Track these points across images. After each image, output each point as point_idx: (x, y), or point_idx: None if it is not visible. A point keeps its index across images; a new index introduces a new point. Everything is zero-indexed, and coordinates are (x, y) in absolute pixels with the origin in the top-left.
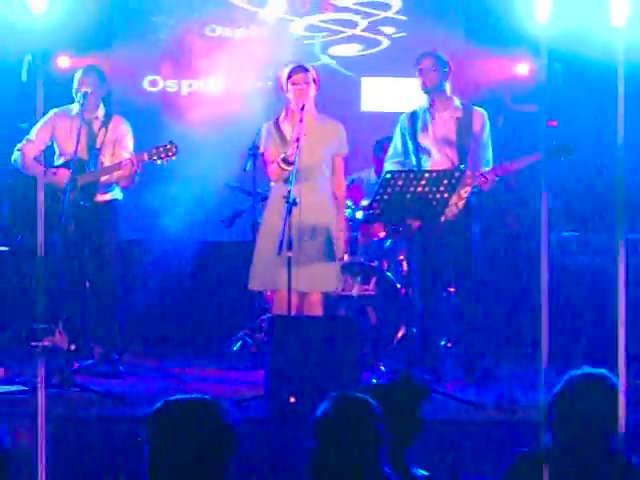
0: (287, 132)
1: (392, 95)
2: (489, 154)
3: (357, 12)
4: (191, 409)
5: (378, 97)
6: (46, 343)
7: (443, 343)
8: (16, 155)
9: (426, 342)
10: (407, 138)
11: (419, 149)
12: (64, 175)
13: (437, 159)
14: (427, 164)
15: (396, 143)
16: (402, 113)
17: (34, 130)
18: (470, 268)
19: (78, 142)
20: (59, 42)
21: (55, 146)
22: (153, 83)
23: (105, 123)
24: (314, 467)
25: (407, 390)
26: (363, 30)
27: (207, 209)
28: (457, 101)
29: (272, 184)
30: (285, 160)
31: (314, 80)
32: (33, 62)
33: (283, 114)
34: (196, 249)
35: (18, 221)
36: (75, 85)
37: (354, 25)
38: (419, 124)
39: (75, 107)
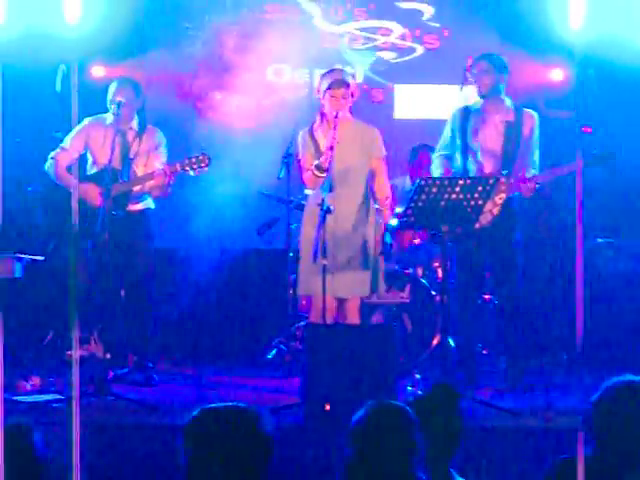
0: (320, 140)
1: (426, 102)
2: (536, 156)
3: (362, 37)
4: (228, 417)
5: (412, 104)
6: (81, 352)
7: (479, 350)
8: (49, 163)
9: (462, 349)
10: (456, 134)
11: (466, 149)
12: (94, 192)
13: (482, 161)
14: (472, 165)
15: (446, 135)
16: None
17: (68, 139)
18: (510, 275)
19: (112, 152)
20: (93, 52)
21: (88, 155)
22: (186, 92)
23: (139, 133)
24: (349, 474)
25: (444, 399)
26: (398, 37)
27: (241, 217)
28: (509, 102)
29: (308, 192)
30: (319, 167)
31: (352, 94)
32: (67, 72)
33: (317, 121)
34: (230, 257)
35: (53, 230)
36: (109, 96)
37: (389, 32)
38: (469, 124)
39: (109, 117)
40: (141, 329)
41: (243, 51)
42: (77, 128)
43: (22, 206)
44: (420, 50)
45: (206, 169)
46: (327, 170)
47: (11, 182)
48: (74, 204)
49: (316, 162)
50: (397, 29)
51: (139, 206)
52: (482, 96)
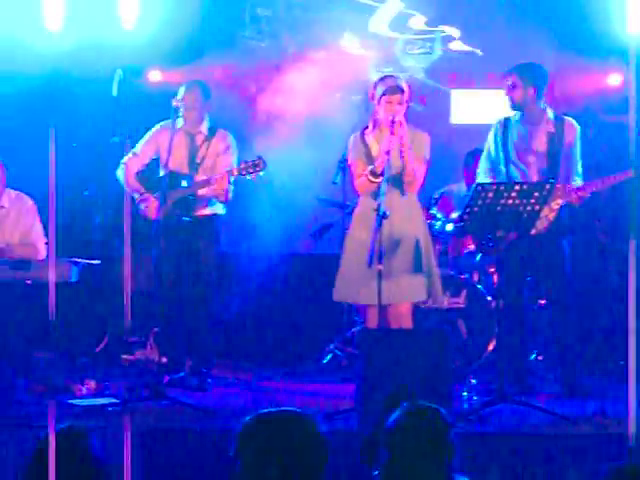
0: (372, 145)
1: (483, 107)
2: (579, 166)
3: (419, 42)
4: (282, 422)
5: (468, 109)
6: (137, 356)
7: (534, 356)
8: (120, 168)
9: (517, 355)
10: (499, 146)
11: (509, 160)
12: (152, 206)
13: (526, 172)
14: (516, 175)
15: (490, 147)
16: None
17: (139, 144)
18: (563, 281)
19: (170, 155)
20: (150, 57)
21: (160, 160)
22: (243, 96)
23: (208, 137)
24: (385, 475)
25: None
26: (457, 41)
27: (297, 222)
28: (550, 113)
29: (360, 197)
30: (373, 172)
31: (406, 101)
32: (124, 77)
33: (370, 127)
34: (286, 262)
35: (112, 234)
36: (177, 99)
37: (450, 38)
38: (510, 134)
39: (180, 121)
40: (200, 334)
41: (300, 57)
42: (149, 133)
43: (79, 210)
44: (480, 54)
45: (262, 173)
46: (382, 174)
47: (68, 187)
48: (126, 212)
49: (370, 167)
50: (455, 33)
51: (207, 211)
52: (514, 108)
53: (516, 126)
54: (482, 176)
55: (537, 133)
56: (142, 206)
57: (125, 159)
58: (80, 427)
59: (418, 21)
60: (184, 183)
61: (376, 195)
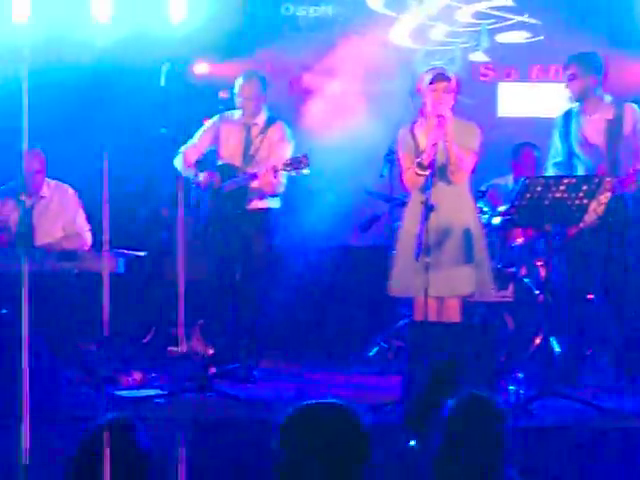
0: (421, 138)
1: (530, 100)
2: None
3: (490, 16)
4: (324, 414)
5: (515, 102)
6: (184, 348)
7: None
8: (178, 157)
9: (567, 348)
10: (562, 139)
11: (572, 153)
12: (212, 177)
13: (587, 162)
14: (579, 167)
15: (555, 144)
16: (553, 117)
17: (198, 134)
18: (621, 274)
19: (223, 146)
20: (197, 49)
21: (217, 150)
22: (291, 88)
23: (264, 129)
24: (438, 465)
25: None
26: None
27: (345, 215)
28: (608, 98)
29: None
30: (421, 165)
31: (453, 90)
32: (171, 69)
33: (419, 120)
34: (333, 254)
35: (160, 226)
36: (235, 90)
37: (522, 12)
38: (572, 126)
39: (237, 112)
40: (247, 327)
41: (349, 46)
42: (207, 124)
43: (126, 202)
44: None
45: (305, 171)
46: (429, 167)
47: (115, 178)
48: (179, 197)
49: (418, 160)
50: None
51: (261, 204)
52: (576, 100)
53: (576, 118)
54: (549, 172)
55: (596, 123)
56: (201, 177)
57: (183, 148)
58: (128, 418)
59: (439, 32)
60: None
61: (425, 188)
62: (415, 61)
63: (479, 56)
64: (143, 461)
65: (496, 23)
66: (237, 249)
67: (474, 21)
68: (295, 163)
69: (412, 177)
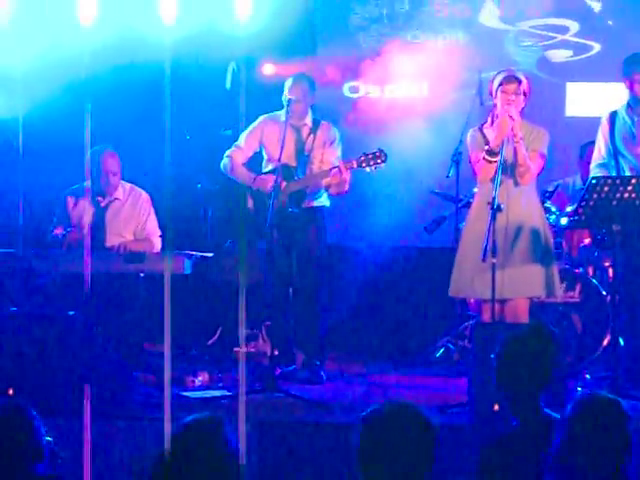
0: (490, 137)
1: (598, 100)
2: None
3: (533, 35)
4: (397, 415)
5: (583, 102)
6: (249, 349)
7: None
8: (225, 161)
9: (635, 350)
10: (607, 140)
11: (617, 152)
12: (272, 182)
13: (634, 163)
14: (625, 166)
15: (599, 145)
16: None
17: (242, 136)
18: None
19: (282, 148)
20: (264, 49)
21: (263, 153)
22: (354, 89)
23: (313, 129)
24: (559, 462)
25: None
26: (574, 35)
27: (411, 215)
28: None
29: (475, 190)
30: (490, 152)
31: (524, 92)
32: (237, 69)
33: (488, 122)
34: (400, 255)
35: (224, 227)
36: (285, 92)
37: (566, 30)
38: (617, 126)
39: (283, 113)
40: (311, 327)
41: (413, 48)
42: (252, 126)
43: (191, 203)
44: (597, 48)
45: (382, 165)
46: (498, 154)
47: (181, 179)
48: (248, 201)
49: (486, 147)
50: (573, 26)
51: (314, 203)
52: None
53: (623, 118)
54: (594, 172)
55: None
56: (260, 184)
57: (229, 152)
58: (216, 417)
59: (531, 13)
60: (299, 175)
61: (492, 187)
62: (506, 42)
63: (551, 55)
64: (233, 460)
65: (540, 42)
66: (295, 248)
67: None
68: (372, 158)
69: (483, 167)
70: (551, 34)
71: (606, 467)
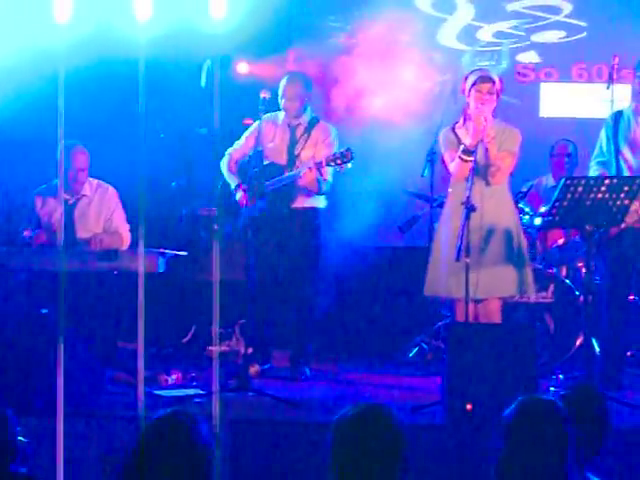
0: (464, 138)
1: (572, 100)
2: None
3: (524, 15)
4: (368, 417)
5: (557, 103)
6: (223, 347)
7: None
8: (224, 159)
9: (608, 350)
10: (610, 140)
11: (618, 153)
12: (243, 195)
13: (633, 163)
14: (624, 167)
15: (601, 143)
16: (594, 117)
17: (244, 135)
18: None
19: (264, 148)
20: (238, 47)
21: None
22: (328, 88)
23: (308, 129)
24: (502, 468)
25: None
26: (567, 16)
27: (385, 215)
28: None
29: (450, 190)
30: (465, 151)
31: (497, 93)
32: (212, 67)
33: (461, 121)
34: (374, 255)
35: (199, 225)
36: (280, 91)
37: (558, 11)
38: (621, 125)
39: (282, 113)
40: (298, 326)
41: (389, 47)
42: (253, 125)
43: (166, 201)
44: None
45: (349, 165)
46: (474, 152)
47: (155, 177)
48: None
49: (462, 146)
50: (566, 7)
51: (307, 203)
52: None
53: (627, 118)
54: (592, 170)
55: None
56: (237, 195)
57: (230, 150)
58: (189, 412)
59: (486, 33)
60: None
61: (466, 186)
62: (463, 62)
63: (544, 37)
64: (206, 455)
65: (532, 23)
66: (282, 248)
67: (496, 40)
68: (339, 158)
69: (459, 166)
70: (543, 14)
71: (548, 468)
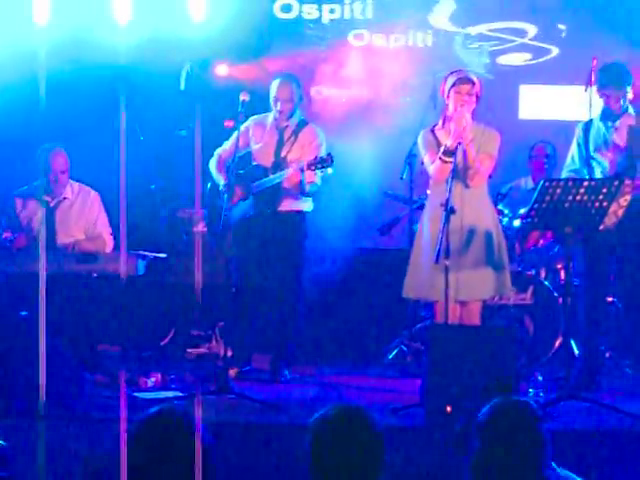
0: (443, 139)
1: (551, 103)
2: None
3: (492, 38)
4: (346, 419)
5: (536, 105)
6: (203, 350)
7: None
8: (212, 159)
9: (586, 351)
10: (582, 148)
11: (590, 160)
12: (236, 194)
13: (607, 168)
14: (598, 172)
15: (573, 152)
16: (573, 120)
17: (232, 137)
18: (638, 277)
19: (252, 149)
20: (218, 51)
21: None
22: (308, 91)
23: (296, 131)
24: (477, 469)
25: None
26: (532, 39)
27: (364, 217)
28: (631, 109)
29: (429, 192)
30: (446, 152)
31: (476, 94)
32: (192, 70)
33: (440, 123)
34: (353, 256)
35: (179, 228)
36: (271, 93)
37: (524, 34)
38: (592, 134)
39: (271, 115)
40: (281, 328)
41: (365, 52)
42: (242, 126)
43: (146, 204)
44: (555, 51)
45: (329, 170)
46: (454, 153)
47: (135, 180)
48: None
49: (443, 147)
50: (531, 30)
51: (291, 207)
52: (616, 114)
53: (597, 123)
54: (564, 176)
55: (618, 128)
56: (226, 195)
57: (219, 150)
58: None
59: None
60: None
61: (445, 188)
62: (455, 45)
63: (509, 59)
64: (206, 451)
65: (498, 45)
66: (266, 251)
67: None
68: (320, 162)
69: (439, 168)
70: (510, 37)
71: (522, 469)
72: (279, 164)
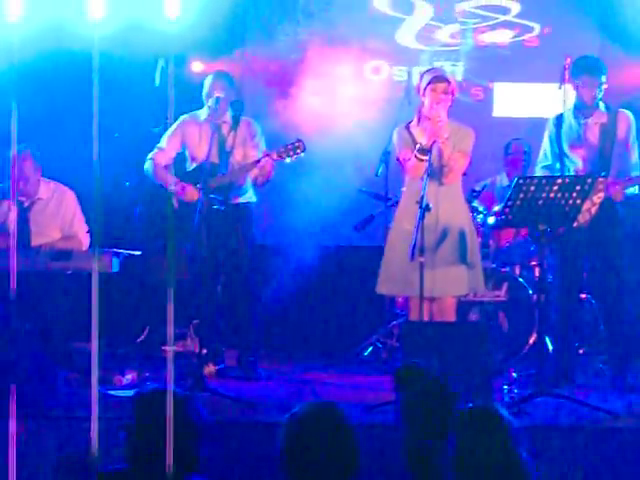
0: (418, 137)
1: (525, 101)
2: (636, 157)
3: (475, 15)
4: (317, 414)
5: (511, 103)
6: (178, 347)
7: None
8: (148, 164)
9: (560, 348)
10: (553, 143)
11: (563, 156)
12: (191, 190)
13: (579, 165)
14: (570, 167)
15: (545, 147)
16: (547, 117)
17: (164, 138)
18: (613, 275)
19: (211, 146)
20: (192, 46)
21: (186, 153)
22: (281, 88)
23: (234, 126)
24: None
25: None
26: (516, 16)
27: (339, 214)
28: (602, 105)
29: (404, 189)
30: (421, 150)
31: (452, 93)
32: (166, 66)
33: (415, 120)
34: (328, 253)
35: (152, 225)
36: (205, 90)
37: (507, 11)
38: (564, 129)
39: (203, 112)
40: (244, 323)
41: (341, 47)
42: (172, 127)
43: (120, 201)
44: (537, 29)
45: (302, 155)
46: (429, 151)
47: (109, 177)
48: (174, 202)
49: (418, 145)
50: (515, 7)
51: (241, 199)
52: (588, 106)
53: (569, 120)
54: (538, 173)
55: (590, 125)
56: (179, 193)
57: (151, 155)
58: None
59: (444, 33)
60: (223, 171)
61: (420, 186)
62: (420, 62)
63: (493, 36)
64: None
65: (480, 22)
66: (223, 245)
67: (453, 41)
68: (292, 149)
69: (414, 165)
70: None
71: (497, 460)
72: (226, 160)
